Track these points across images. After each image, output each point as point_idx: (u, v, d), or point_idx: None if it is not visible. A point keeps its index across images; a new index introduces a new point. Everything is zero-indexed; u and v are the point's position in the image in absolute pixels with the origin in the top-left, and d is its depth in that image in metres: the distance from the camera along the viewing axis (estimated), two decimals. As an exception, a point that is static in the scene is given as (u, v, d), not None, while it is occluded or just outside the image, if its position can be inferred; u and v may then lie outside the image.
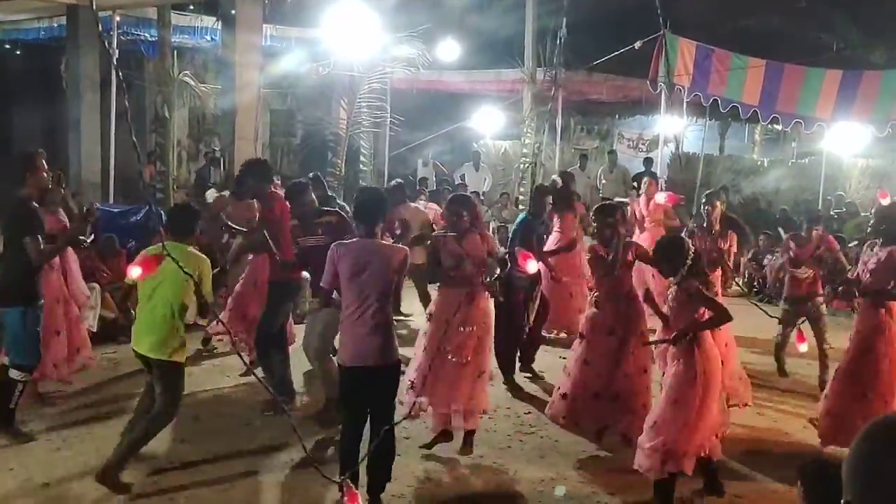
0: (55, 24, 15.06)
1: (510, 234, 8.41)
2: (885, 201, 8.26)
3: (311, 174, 9.85)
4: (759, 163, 18.58)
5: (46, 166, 6.14)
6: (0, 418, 5.96)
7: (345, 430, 5.10)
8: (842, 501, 1.43)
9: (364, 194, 5.32)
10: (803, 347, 6.23)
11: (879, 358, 5.94)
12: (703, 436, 5.15)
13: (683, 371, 5.09)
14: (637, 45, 12.23)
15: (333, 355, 6.46)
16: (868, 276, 6.00)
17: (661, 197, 9.93)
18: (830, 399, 6.12)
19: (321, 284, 5.08)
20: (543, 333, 8.62)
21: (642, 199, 10.37)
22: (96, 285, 8.54)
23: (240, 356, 4.88)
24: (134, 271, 4.72)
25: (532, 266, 4.65)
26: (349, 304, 4.91)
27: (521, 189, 15.09)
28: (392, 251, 5.05)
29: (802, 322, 6.22)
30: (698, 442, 5.12)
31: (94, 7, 3.86)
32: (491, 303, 6.25)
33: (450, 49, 15.21)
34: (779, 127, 15.11)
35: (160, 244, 5.07)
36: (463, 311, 5.86)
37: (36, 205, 6.02)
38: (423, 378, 5.82)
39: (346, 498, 3.60)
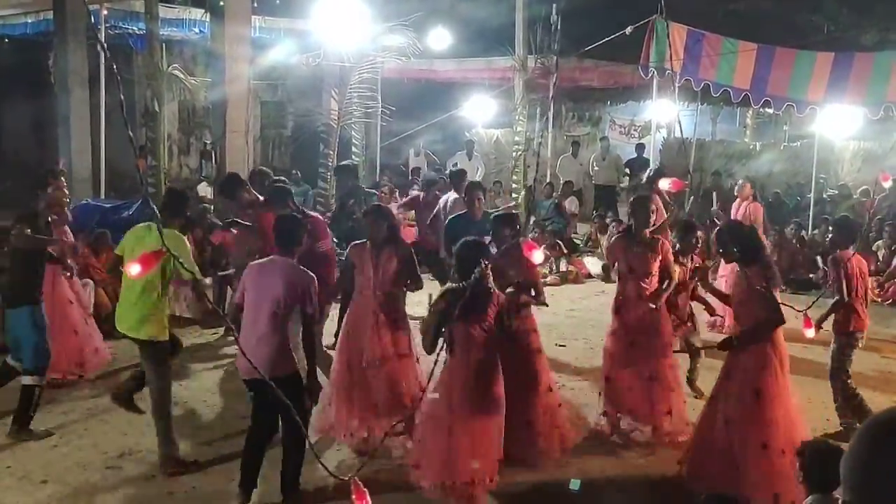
0: (42, 19, 14.95)
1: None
2: (888, 184, 8.18)
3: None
4: (751, 147, 18.59)
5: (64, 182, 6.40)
6: (19, 422, 6.08)
7: (246, 439, 5.17)
8: (840, 502, 1.40)
9: (282, 222, 5.46)
10: (810, 333, 6.20)
11: (770, 403, 5.08)
12: (457, 467, 4.73)
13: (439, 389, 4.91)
14: (628, 30, 12.21)
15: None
16: (737, 305, 5.38)
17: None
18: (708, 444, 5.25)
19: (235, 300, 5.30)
20: None
21: (736, 201, 9.79)
22: (90, 281, 8.50)
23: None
24: (133, 268, 4.70)
25: (538, 256, 4.61)
26: (245, 317, 5.03)
27: (514, 178, 15.06)
28: (296, 276, 5.04)
29: (809, 308, 6.15)
30: (452, 471, 4.73)
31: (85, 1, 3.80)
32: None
33: (440, 37, 15.15)
34: (770, 110, 15.12)
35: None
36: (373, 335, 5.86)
37: (50, 218, 6.36)
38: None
39: (354, 496, 3.57)
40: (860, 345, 6.43)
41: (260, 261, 5.25)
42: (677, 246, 6.78)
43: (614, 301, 6.43)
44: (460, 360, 4.89)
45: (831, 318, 6.40)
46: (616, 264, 6.40)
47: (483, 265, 4.77)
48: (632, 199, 7.00)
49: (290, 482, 5.10)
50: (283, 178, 8.85)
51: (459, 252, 5.03)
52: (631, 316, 6.24)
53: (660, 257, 6.25)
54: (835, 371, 6.42)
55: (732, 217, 9.55)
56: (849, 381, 6.38)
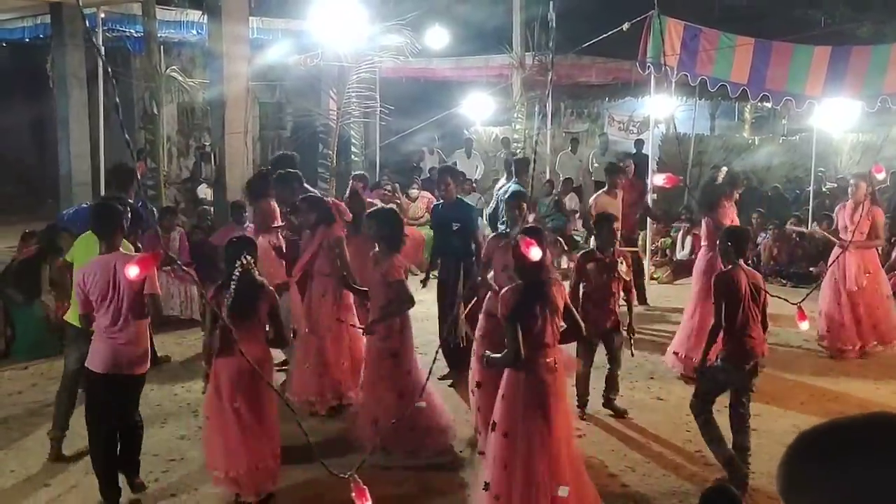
0: (39, 23, 14.95)
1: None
2: (881, 176, 8.12)
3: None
4: (749, 141, 18.60)
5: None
6: None
7: (104, 441, 5.24)
8: None
9: (97, 209, 5.57)
10: (804, 325, 6.19)
11: (533, 427, 4.54)
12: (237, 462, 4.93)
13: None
14: (625, 26, 12.20)
15: None
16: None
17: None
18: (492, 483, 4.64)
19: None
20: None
21: (848, 204, 8.30)
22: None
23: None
24: (131, 270, 4.70)
25: (535, 253, 4.55)
26: (101, 318, 5.09)
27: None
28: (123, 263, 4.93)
29: (803, 300, 6.13)
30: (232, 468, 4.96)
31: (80, 3, 3.82)
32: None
33: (438, 37, 15.14)
34: (769, 105, 15.12)
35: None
36: None
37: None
38: None
39: (354, 494, 3.58)
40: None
41: (99, 258, 5.14)
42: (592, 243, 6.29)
43: (484, 303, 6.12)
44: (228, 360, 4.95)
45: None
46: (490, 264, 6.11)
47: (244, 261, 4.88)
48: (505, 198, 6.62)
49: (135, 471, 5.34)
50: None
51: (225, 253, 5.17)
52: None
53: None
54: (699, 394, 5.53)
55: (845, 223, 8.22)
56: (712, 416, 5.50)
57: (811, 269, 11.84)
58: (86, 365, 5.17)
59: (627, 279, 6.36)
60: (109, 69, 6.04)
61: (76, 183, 12.62)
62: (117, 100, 3.31)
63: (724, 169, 9.16)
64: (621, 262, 6.28)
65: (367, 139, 16.20)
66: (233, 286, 4.85)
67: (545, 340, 4.62)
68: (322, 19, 11.85)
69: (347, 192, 9.01)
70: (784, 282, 11.83)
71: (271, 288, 5.15)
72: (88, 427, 5.25)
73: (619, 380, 6.74)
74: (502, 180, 10.10)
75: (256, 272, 4.97)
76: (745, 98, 13.79)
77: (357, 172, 9.81)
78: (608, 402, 6.65)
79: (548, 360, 4.61)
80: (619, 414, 6.58)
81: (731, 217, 7.94)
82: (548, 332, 4.63)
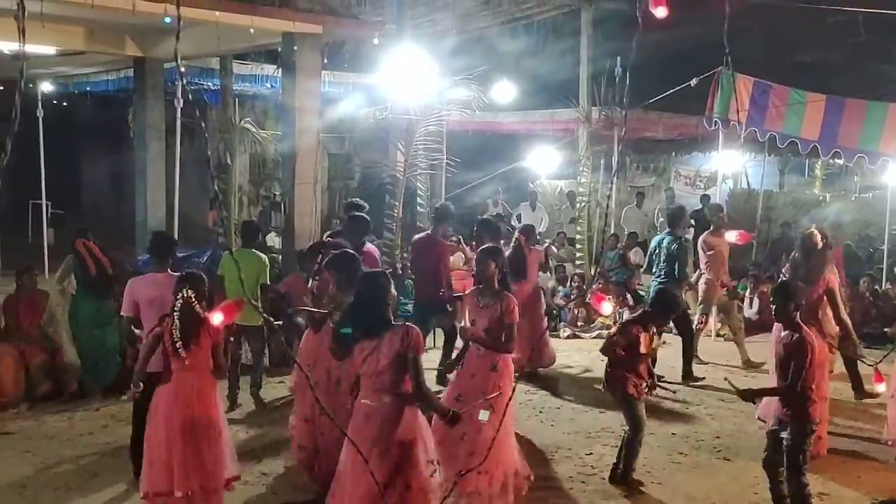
0: (122, 76, 15.63)
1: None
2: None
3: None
4: (820, 197, 18.27)
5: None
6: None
7: None
8: None
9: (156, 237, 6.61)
10: (881, 388, 6.00)
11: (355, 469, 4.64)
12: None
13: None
14: (693, 81, 12.21)
15: None
16: None
17: (731, 235, 9.69)
18: None
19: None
20: None
21: None
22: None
23: (302, 371, 4.95)
24: (216, 317, 4.91)
25: (607, 308, 4.52)
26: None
27: (578, 228, 15.03)
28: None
29: (881, 361, 5.94)
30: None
31: (179, 60, 4.00)
32: None
33: (505, 90, 15.31)
34: (840, 161, 14.87)
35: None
36: None
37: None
38: None
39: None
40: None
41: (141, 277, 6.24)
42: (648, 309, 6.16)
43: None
44: (171, 387, 5.25)
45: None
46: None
47: (185, 295, 5.17)
48: (478, 251, 6.34)
49: None
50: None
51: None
52: (465, 371, 5.84)
53: (502, 313, 5.71)
54: (797, 465, 5.24)
55: None
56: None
57: (885, 329, 11.49)
58: None
59: (655, 347, 6.26)
60: (201, 124, 6.50)
61: (151, 230, 13.02)
62: (209, 154, 3.49)
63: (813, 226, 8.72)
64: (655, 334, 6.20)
65: (432, 191, 16.37)
66: (175, 318, 5.17)
67: (366, 383, 4.59)
68: (392, 73, 12.11)
69: (512, 242, 9.52)
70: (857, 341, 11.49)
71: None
72: None
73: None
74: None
75: (197, 306, 5.23)
76: (815, 154, 13.59)
77: (525, 224, 10.10)
78: (627, 472, 6.17)
79: (363, 401, 4.58)
80: (634, 487, 6.12)
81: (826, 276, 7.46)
82: (366, 374, 4.56)
